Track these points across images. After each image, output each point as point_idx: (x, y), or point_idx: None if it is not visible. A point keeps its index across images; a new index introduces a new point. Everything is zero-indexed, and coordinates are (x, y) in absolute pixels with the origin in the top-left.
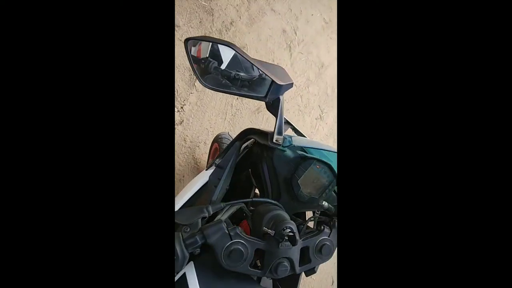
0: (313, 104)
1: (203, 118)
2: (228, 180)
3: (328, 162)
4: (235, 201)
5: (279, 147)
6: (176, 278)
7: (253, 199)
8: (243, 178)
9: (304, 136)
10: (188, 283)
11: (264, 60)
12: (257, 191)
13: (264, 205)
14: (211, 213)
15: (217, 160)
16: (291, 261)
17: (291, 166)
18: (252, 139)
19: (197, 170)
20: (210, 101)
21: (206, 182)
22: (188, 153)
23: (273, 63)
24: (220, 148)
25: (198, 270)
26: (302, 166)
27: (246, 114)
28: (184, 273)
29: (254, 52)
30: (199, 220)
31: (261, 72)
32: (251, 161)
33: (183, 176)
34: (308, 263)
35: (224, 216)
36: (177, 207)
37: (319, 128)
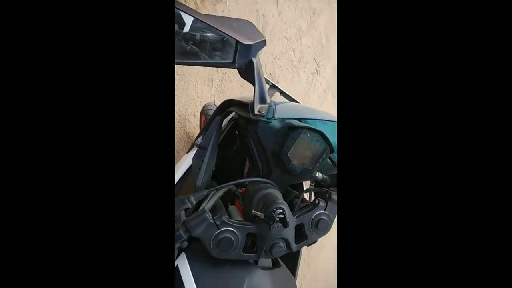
0: (308, 57)
1: (188, 88)
2: (213, 161)
3: (320, 129)
4: (220, 186)
5: (262, 119)
6: None
7: (239, 180)
8: (232, 153)
9: (296, 101)
10: (181, 274)
11: (247, 14)
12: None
13: (254, 183)
14: (194, 203)
15: (199, 139)
16: (286, 241)
17: (278, 138)
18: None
19: (190, 145)
20: (192, 67)
21: (190, 166)
22: (178, 127)
23: (240, 18)
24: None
25: (190, 260)
26: (290, 137)
27: (235, 77)
28: (177, 265)
29: (233, 4)
30: (182, 213)
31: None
32: (239, 134)
33: (178, 152)
34: (305, 239)
35: (209, 203)
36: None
37: (316, 84)
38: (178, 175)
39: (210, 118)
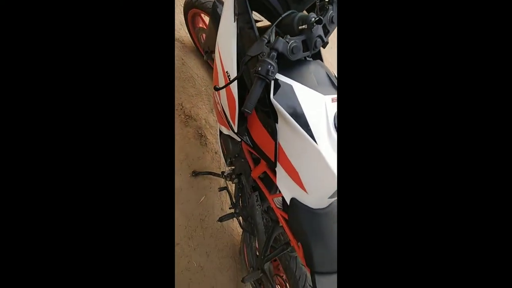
0: None
1: None
2: (253, 19)
3: None
4: (271, 27)
5: None
6: (273, 84)
7: (282, 16)
8: (245, 32)
9: None
10: (279, 79)
11: None
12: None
13: (287, 16)
14: (268, 38)
15: (235, 11)
16: (320, 37)
17: None
18: None
19: (187, 48)
20: None
21: (238, 31)
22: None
23: None
24: (204, 12)
25: (280, 72)
26: None
27: None
28: (276, 79)
29: None
30: (265, 46)
31: None
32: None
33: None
34: (329, 32)
35: (273, 36)
36: (231, 58)
37: None
38: (233, 41)
39: None
